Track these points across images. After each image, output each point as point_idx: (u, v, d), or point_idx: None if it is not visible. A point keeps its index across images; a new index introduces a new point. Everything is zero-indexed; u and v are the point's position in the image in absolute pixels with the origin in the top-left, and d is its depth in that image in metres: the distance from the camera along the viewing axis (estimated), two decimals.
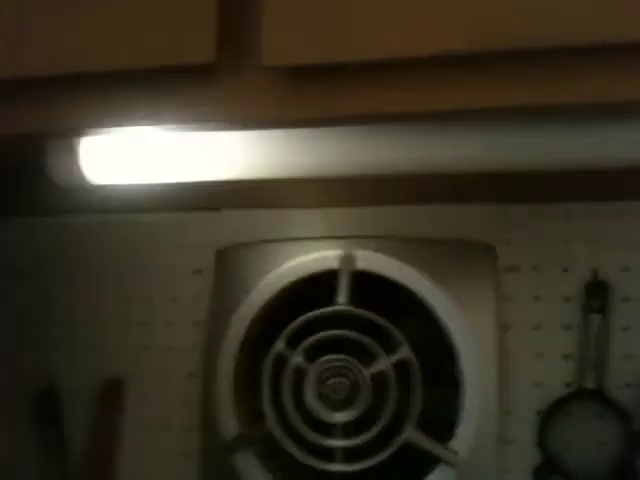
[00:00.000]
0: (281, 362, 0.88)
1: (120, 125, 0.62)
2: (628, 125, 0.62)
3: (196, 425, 0.94)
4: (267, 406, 0.88)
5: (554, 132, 0.66)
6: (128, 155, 0.74)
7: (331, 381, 0.86)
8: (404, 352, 0.85)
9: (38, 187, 0.86)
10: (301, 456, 0.87)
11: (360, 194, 0.90)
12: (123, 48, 0.59)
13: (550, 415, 0.85)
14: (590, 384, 0.84)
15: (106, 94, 0.61)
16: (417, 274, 0.88)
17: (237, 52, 0.57)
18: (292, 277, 0.92)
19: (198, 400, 0.94)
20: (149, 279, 0.99)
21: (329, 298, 0.89)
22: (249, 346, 0.92)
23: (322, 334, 0.86)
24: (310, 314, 0.88)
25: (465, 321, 0.86)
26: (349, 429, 0.85)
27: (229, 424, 0.91)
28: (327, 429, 0.86)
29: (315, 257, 0.91)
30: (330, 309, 0.88)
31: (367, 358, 0.86)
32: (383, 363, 0.85)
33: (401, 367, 0.85)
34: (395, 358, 0.85)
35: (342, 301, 0.88)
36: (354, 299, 0.88)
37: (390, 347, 0.86)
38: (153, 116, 0.60)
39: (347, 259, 0.89)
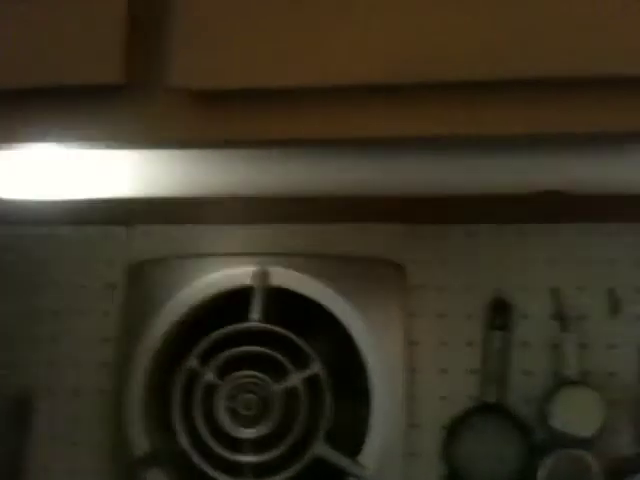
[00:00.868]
0: (193, 378, 0.88)
1: (28, 141, 0.61)
2: (529, 154, 0.65)
3: (106, 442, 0.93)
4: (178, 423, 0.88)
5: (459, 159, 0.69)
6: (37, 171, 0.73)
7: (242, 397, 0.86)
8: (315, 368, 0.86)
9: None
10: (212, 472, 0.87)
11: (274, 212, 0.91)
12: (32, 65, 0.58)
13: (454, 429, 0.87)
14: (492, 398, 0.87)
15: (14, 110, 0.60)
16: (329, 291, 0.90)
17: (145, 73, 0.58)
18: (205, 293, 0.92)
19: (108, 417, 0.93)
20: (59, 294, 0.97)
21: (243, 314, 0.89)
22: (161, 363, 0.91)
23: (234, 350, 0.87)
24: (222, 331, 0.88)
25: (374, 337, 0.89)
26: (260, 444, 0.86)
27: (140, 441, 0.90)
28: (238, 445, 0.87)
29: (229, 273, 0.92)
30: (243, 325, 0.88)
31: (279, 374, 0.87)
32: (294, 379, 0.86)
33: (312, 382, 0.87)
34: (306, 374, 0.86)
35: (255, 317, 0.89)
36: (268, 315, 0.89)
37: (302, 363, 0.87)
38: (61, 133, 0.60)
39: (261, 276, 0.90)
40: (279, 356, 0.86)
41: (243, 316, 0.89)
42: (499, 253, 0.91)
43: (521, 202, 0.80)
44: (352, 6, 0.54)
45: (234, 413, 0.86)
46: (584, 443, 0.82)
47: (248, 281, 0.90)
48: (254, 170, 0.72)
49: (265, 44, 0.53)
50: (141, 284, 0.94)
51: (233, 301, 0.91)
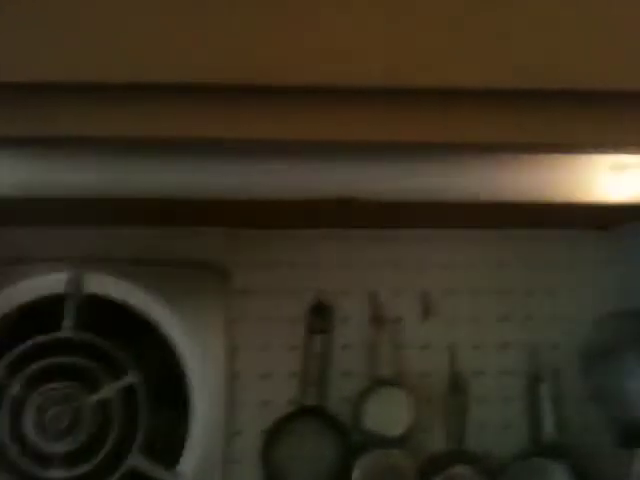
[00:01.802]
0: (0, 392, 0.83)
1: None
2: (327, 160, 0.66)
3: None
4: None
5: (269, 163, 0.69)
6: None
7: (52, 410, 0.82)
8: (131, 377, 0.84)
9: None
10: None
11: (92, 214, 0.87)
12: None
13: (274, 433, 0.88)
14: (312, 401, 0.89)
15: None
16: (148, 297, 0.87)
17: None
18: (17, 302, 0.87)
19: None
20: None
21: (57, 323, 0.85)
22: None
23: (43, 362, 0.83)
24: (32, 341, 0.83)
25: (195, 343, 0.87)
26: (72, 458, 0.82)
27: None
28: (49, 459, 0.82)
29: (41, 280, 0.87)
30: (54, 335, 0.84)
31: (94, 385, 0.83)
32: (109, 389, 0.83)
33: (129, 392, 0.84)
34: (121, 384, 0.83)
35: (68, 326, 0.85)
36: (83, 323, 0.85)
37: (118, 372, 0.84)
38: None
39: (74, 282, 0.86)
40: (93, 366, 0.83)
41: (56, 325, 0.85)
42: (321, 257, 0.92)
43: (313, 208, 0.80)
44: None
45: (44, 426, 0.82)
46: (396, 442, 0.84)
47: (61, 288, 0.86)
48: (69, 169, 0.69)
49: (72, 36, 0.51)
50: None
51: (47, 309, 0.87)
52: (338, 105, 0.55)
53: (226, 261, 0.91)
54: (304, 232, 0.92)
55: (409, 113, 0.55)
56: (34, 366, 0.83)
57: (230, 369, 0.89)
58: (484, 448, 0.90)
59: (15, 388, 0.82)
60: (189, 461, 0.85)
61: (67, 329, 0.85)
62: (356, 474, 0.83)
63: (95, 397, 0.83)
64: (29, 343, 0.83)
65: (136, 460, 0.83)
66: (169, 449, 0.86)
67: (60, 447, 0.82)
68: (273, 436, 0.87)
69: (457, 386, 0.91)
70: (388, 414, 0.84)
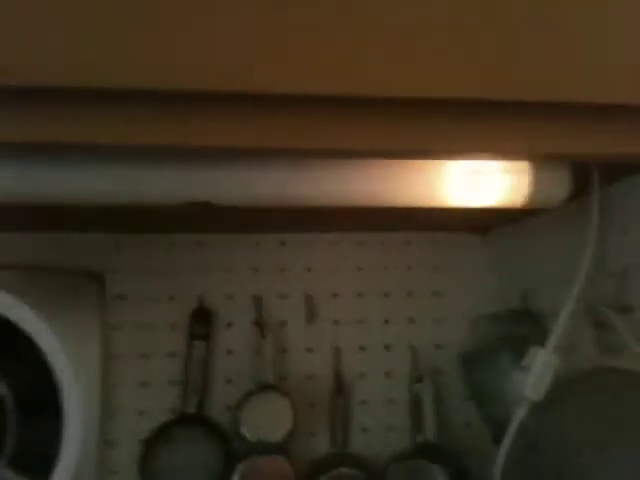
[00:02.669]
0: None
1: None
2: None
3: None
4: None
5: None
6: None
7: None
8: None
9: None
10: None
11: None
12: None
13: (153, 443, 0.85)
14: (192, 409, 0.87)
15: None
16: (18, 304, 0.83)
17: None
18: None
19: None
20: None
21: None
22: None
23: None
24: None
25: (69, 352, 0.84)
26: None
27: None
28: None
29: None
30: None
31: None
32: None
33: None
34: None
35: None
36: None
37: None
38: None
39: None
40: None
41: None
42: (202, 262, 0.91)
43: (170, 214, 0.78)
44: None
45: None
46: (277, 448, 0.84)
47: None
48: None
49: None
50: None
51: None
52: (194, 111, 0.53)
53: (103, 267, 0.88)
54: (184, 237, 0.91)
55: (267, 119, 0.55)
56: None
57: (107, 378, 0.86)
58: (369, 451, 0.91)
59: None
60: (62, 473, 0.82)
61: None
62: None
63: None
64: None
65: (4, 474, 0.79)
66: (40, 461, 0.82)
67: None
68: (151, 446, 0.85)
69: (341, 389, 0.91)
70: (269, 419, 0.83)
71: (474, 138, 0.56)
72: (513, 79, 0.54)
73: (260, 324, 0.90)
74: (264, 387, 0.85)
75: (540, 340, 0.69)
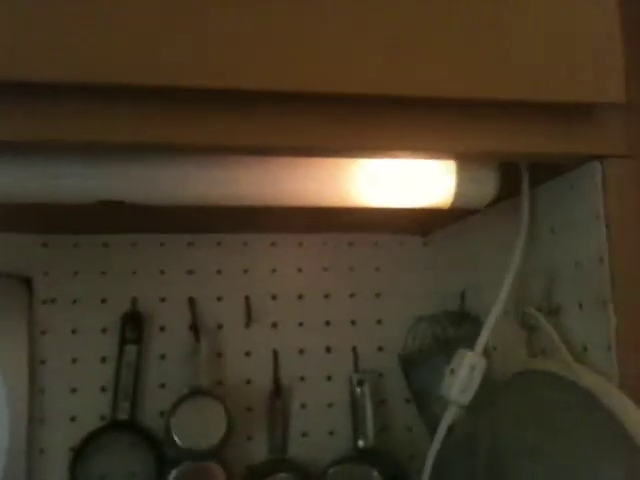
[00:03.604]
0: None
1: None
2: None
3: None
4: None
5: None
6: None
7: None
8: None
9: None
10: None
11: None
12: None
13: (83, 450, 0.83)
14: (124, 415, 0.84)
15: None
16: None
17: None
18: None
19: None
20: None
21: None
22: None
23: None
24: None
25: None
26: None
27: None
28: None
29: None
30: None
31: None
32: None
33: None
34: None
35: None
36: None
37: None
38: None
39: None
40: None
41: None
42: (136, 264, 0.88)
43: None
44: None
45: None
46: (210, 454, 0.81)
47: None
48: None
49: None
50: None
51: None
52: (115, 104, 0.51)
53: (31, 270, 0.85)
54: (116, 237, 0.88)
55: (187, 113, 0.53)
56: None
57: (35, 384, 0.83)
58: (308, 456, 0.89)
59: None
60: None
61: None
62: None
63: None
64: None
65: None
66: None
67: None
68: (81, 453, 0.82)
69: (280, 392, 0.89)
70: (201, 425, 0.81)
71: (395, 136, 0.55)
72: (434, 77, 0.53)
73: (195, 327, 0.87)
74: (197, 392, 0.83)
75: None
